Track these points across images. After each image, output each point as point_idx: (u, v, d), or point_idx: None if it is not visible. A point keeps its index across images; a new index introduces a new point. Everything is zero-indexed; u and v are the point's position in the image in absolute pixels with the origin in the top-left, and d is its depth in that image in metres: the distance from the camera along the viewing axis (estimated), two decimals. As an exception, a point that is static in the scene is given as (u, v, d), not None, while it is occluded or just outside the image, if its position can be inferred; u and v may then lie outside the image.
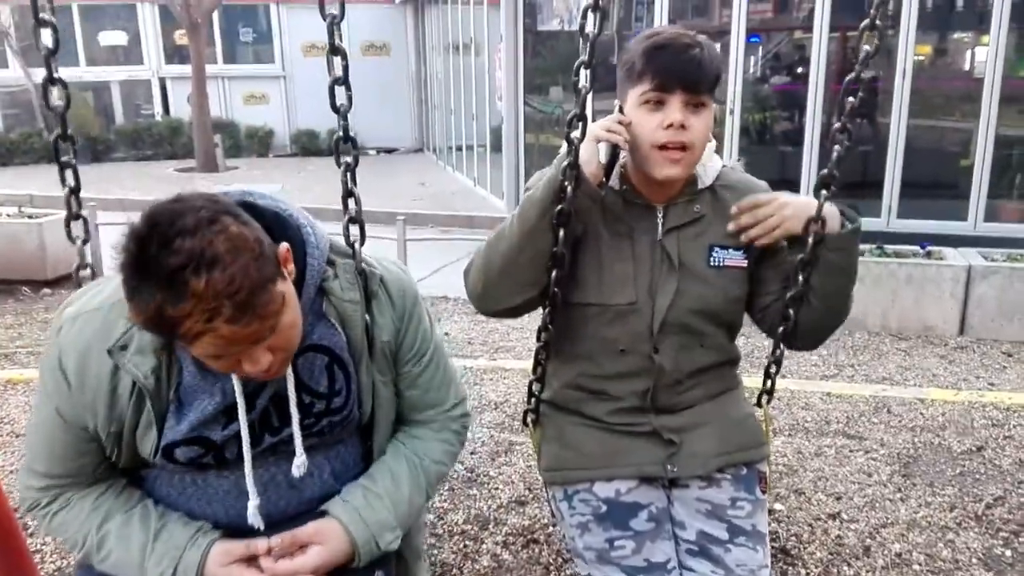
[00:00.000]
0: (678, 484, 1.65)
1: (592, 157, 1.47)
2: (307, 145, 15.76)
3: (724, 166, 1.64)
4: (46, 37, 1.33)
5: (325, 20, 1.22)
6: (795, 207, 1.51)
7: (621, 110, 1.52)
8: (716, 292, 1.59)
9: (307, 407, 1.27)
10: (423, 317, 1.41)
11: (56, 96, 1.34)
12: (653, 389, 1.61)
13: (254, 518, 1.27)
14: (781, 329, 1.63)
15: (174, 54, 16.03)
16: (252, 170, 13.63)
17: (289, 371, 1.22)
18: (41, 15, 1.30)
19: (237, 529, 1.29)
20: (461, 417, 1.50)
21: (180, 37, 15.19)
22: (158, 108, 16.07)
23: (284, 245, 1.13)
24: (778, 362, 1.75)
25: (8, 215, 6.06)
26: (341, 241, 1.37)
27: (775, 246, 1.59)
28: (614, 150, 1.49)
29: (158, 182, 11.56)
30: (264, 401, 1.25)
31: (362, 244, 1.35)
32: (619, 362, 1.61)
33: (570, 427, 1.69)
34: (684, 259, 1.57)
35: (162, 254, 0.97)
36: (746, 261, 1.61)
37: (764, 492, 1.69)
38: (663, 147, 1.46)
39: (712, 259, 1.59)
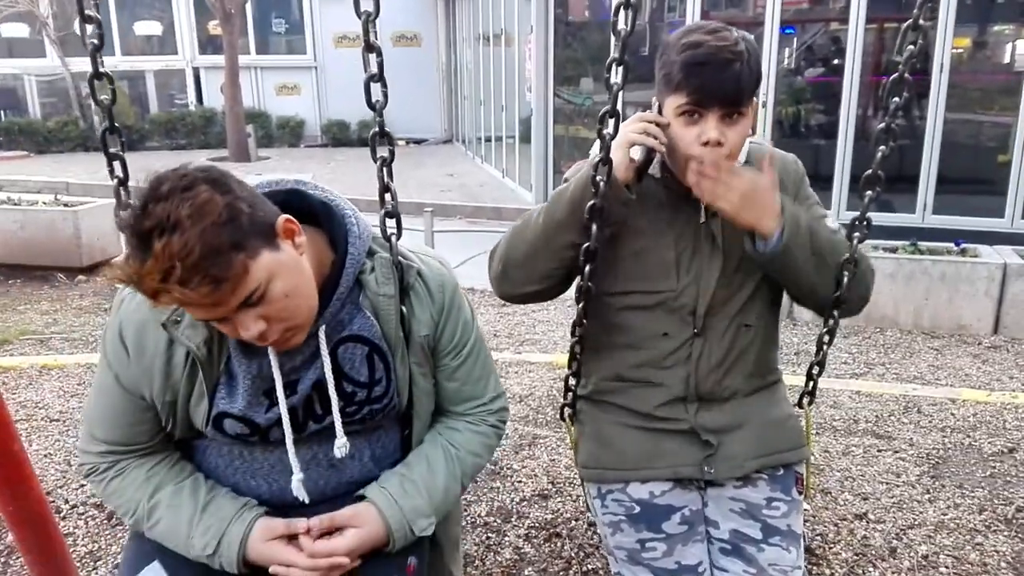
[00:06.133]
0: (713, 484, 1.64)
1: (623, 160, 1.44)
2: (337, 135, 15.84)
3: (751, 142, 1.59)
4: (91, 33, 1.36)
5: (360, 18, 1.23)
6: (749, 197, 1.41)
7: (660, 108, 1.48)
8: (759, 272, 1.57)
9: (349, 395, 1.32)
10: (462, 310, 1.43)
11: (102, 90, 1.37)
12: (696, 373, 1.59)
13: (298, 491, 1.32)
14: (826, 329, 1.62)
15: (208, 44, 16.21)
16: (283, 160, 13.75)
17: (326, 357, 1.26)
18: (86, 11, 1.33)
19: (279, 503, 1.35)
20: (499, 411, 1.52)
21: (214, 27, 15.36)
22: (192, 98, 16.28)
23: (283, 216, 1.15)
24: (821, 364, 1.74)
25: (44, 203, 6.18)
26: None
27: None
28: (649, 152, 1.46)
29: (191, 171, 11.67)
30: (306, 388, 1.29)
31: (399, 237, 1.37)
32: (662, 347, 1.59)
33: (607, 425, 1.68)
34: (728, 241, 1.55)
35: (139, 218, 1.04)
36: None
37: (801, 493, 1.67)
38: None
39: (757, 239, 1.54)
